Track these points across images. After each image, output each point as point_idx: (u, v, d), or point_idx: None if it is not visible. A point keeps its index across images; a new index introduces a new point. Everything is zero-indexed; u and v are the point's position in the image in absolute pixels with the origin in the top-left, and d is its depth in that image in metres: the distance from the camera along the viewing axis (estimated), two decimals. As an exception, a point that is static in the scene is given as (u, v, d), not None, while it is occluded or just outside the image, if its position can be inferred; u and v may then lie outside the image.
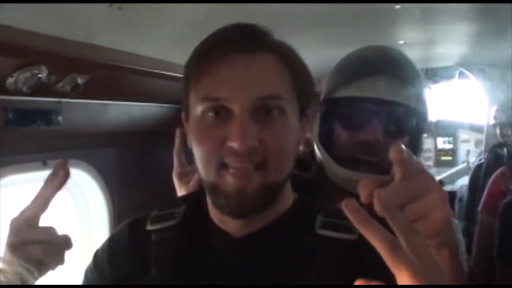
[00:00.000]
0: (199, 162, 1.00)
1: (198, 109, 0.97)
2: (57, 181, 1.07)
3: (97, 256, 1.17)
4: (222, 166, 0.95)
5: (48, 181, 1.08)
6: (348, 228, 0.97)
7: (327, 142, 1.44)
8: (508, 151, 3.03)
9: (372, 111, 1.36)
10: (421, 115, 1.43)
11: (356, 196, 1.39)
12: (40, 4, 1.28)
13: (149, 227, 1.08)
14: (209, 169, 0.97)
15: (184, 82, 1.02)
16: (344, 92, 1.39)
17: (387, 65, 1.40)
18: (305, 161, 1.53)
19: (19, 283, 0.99)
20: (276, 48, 0.99)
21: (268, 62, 0.97)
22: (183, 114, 1.07)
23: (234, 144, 0.92)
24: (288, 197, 1.08)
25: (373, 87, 1.36)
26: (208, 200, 1.05)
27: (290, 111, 0.98)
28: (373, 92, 1.35)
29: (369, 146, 1.36)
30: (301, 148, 1.46)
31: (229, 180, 0.95)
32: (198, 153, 0.99)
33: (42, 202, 1.07)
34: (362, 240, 0.89)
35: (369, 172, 1.33)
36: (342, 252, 0.97)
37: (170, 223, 1.07)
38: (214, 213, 1.06)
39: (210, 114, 0.95)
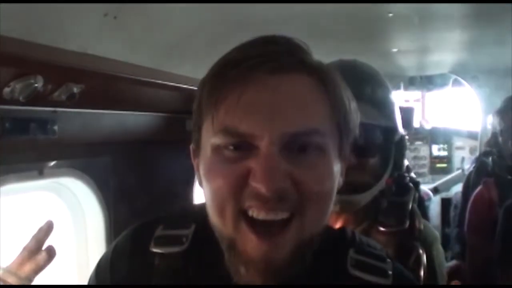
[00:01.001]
0: (212, 208, 0.80)
1: (213, 141, 0.78)
2: (41, 261, 0.94)
3: (100, 266, 1.05)
4: (243, 216, 0.76)
5: (28, 254, 0.93)
6: (383, 271, 0.89)
7: None
8: (493, 159, 3.04)
9: None
10: (391, 131, 1.45)
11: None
12: (36, 14, 1.29)
13: (153, 249, 0.94)
14: (224, 218, 0.78)
15: (197, 106, 0.83)
16: None
17: (354, 87, 1.40)
18: None
19: None
20: (314, 69, 0.81)
21: (303, 85, 0.79)
22: (192, 147, 0.89)
23: (258, 186, 0.73)
24: None
25: None
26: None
27: (329, 148, 0.80)
28: None
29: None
30: None
31: (252, 240, 0.76)
32: (211, 195, 0.80)
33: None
34: (395, 285, 0.88)
35: (342, 194, 1.34)
36: None
37: (176, 249, 0.93)
38: None
39: (230, 147, 0.77)
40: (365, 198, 1.40)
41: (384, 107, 1.44)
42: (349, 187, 1.32)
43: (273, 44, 0.80)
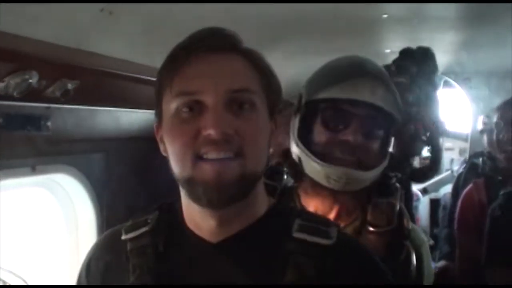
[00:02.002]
0: (174, 159, 0.99)
1: (172, 106, 0.98)
2: None
3: (80, 272, 1.16)
4: (198, 158, 0.95)
5: None
6: (326, 232, 1.02)
7: (305, 143, 1.49)
8: (483, 160, 3.07)
9: (352, 113, 1.41)
10: (394, 119, 1.49)
11: (327, 191, 1.44)
12: (31, 9, 1.28)
13: (124, 237, 1.09)
14: (184, 162, 0.97)
15: (158, 85, 1.03)
16: (327, 94, 1.44)
17: (366, 70, 1.47)
18: (278, 170, 1.59)
19: None
20: (243, 51, 1.03)
21: (236, 61, 1.01)
22: (155, 122, 1.07)
23: (209, 132, 0.93)
24: (263, 200, 1.09)
25: (354, 89, 1.41)
26: (184, 200, 1.06)
27: (260, 106, 1.01)
28: (355, 94, 1.40)
29: (349, 146, 1.41)
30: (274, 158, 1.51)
31: (206, 169, 0.95)
32: (173, 149, 0.99)
33: None
34: (338, 245, 1.01)
35: (348, 168, 1.40)
36: (318, 256, 0.99)
37: (144, 229, 1.08)
38: (189, 218, 1.06)
39: (184, 109, 0.97)
40: (367, 177, 1.44)
41: (396, 98, 1.49)
42: (356, 164, 1.41)
43: (213, 33, 1.02)
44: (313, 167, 1.45)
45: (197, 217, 1.04)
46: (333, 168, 1.40)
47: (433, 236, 4.41)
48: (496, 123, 2.79)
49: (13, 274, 1.07)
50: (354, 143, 1.40)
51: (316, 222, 1.05)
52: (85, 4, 1.40)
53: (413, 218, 1.67)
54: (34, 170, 1.75)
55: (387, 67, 2.00)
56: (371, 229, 1.46)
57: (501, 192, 2.42)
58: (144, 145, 2.40)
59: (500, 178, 2.74)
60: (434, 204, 4.75)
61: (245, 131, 0.97)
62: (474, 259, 2.50)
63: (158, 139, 1.07)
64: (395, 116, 1.47)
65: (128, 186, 2.28)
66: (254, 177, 1.01)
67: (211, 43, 0.99)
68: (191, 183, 0.98)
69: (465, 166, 3.43)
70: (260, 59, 1.05)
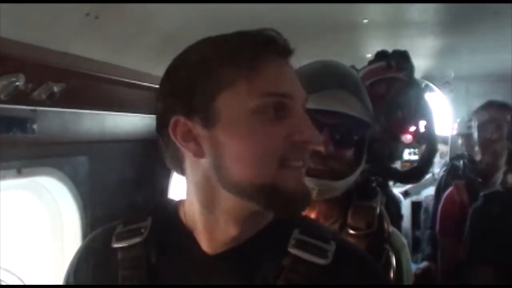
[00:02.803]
0: (250, 161, 0.90)
1: (253, 104, 0.88)
2: None
3: (67, 273, 1.08)
4: (282, 163, 0.90)
5: None
6: (323, 250, 0.96)
7: None
8: (463, 163, 3.12)
9: (323, 123, 1.39)
10: (367, 126, 1.48)
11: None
12: (18, 12, 1.29)
13: (115, 245, 1.02)
14: (266, 167, 0.89)
15: (210, 81, 0.91)
16: None
17: (336, 80, 1.46)
18: None
19: None
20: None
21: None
22: (182, 120, 0.92)
23: (306, 138, 0.91)
24: None
25: (324, 100, 1.39)
26: (196, 205, 0.98)
27: None
28: (324, 105, 1.39)
29: (320, 156, 1.39)
30: None
31: (291, 177, 0.91)
32: (250, 151, 0.89)
33: None
34: (333, 266, 0.95)
35: (320, 179, 1.39)
36: (311, 275, 0.94)
37: (137, 239, 1.01)
38: (193, 224, 1.00)
39: (270, 110, 0.89)
40: (340, 186, 1.44)
41: (366, 102, 1.49)
42: (328, 174, 1.40)
43: (279, 35, 0.94)
44: None
45: (210, 225, 0.97)
46: (307, 179, 1.41)
47: (414, 238, 4.46)
48: (483, 123, 2.82)
49: (9, 272, 1.07)
50: (326, 153, 1.39)
51: (315, 236, 0.99)
52: (71, 8, 1.41)
53: (394, 221, 1.67)
54: (20, 172, 1.75)
55: (387, 61, 2.03)
56: (351, 232, 1.46)
57: (481, 194, 2.47)
58: (129, 148, 2.43)
59: (480, 179, 2.78)
60: (415, 206, 4.80)
61: None
62: (456, 260, 2.54)
63: (182, 136, 0.93)
64: (367, 123, 1.46)
65: (113, 189, 2.29)
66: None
67: (285, 46, 0.94)
68: (271, 193, 0.90)
69: (446, 169, 3.48)
70: None
